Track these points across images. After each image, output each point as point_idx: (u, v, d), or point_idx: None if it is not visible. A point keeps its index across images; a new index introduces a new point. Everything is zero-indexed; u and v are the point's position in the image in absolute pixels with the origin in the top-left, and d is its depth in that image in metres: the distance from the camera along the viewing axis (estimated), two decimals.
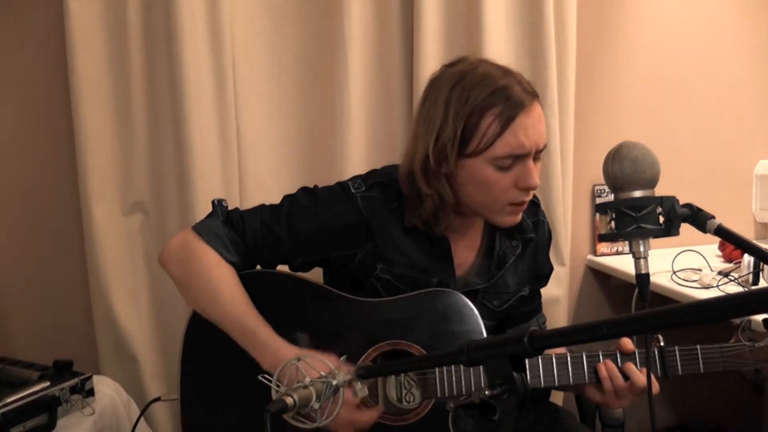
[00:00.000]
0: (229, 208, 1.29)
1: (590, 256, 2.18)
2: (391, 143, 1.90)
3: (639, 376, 1.14)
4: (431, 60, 1.81)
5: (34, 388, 1.36)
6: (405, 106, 1.90)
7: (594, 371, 1.17)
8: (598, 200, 2.14)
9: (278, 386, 0.82)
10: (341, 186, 1.29)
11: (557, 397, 1.87)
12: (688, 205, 0.96)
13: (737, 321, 1.15)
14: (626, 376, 1.15)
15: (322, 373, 0.81)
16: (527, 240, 1.36)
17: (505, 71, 1.17)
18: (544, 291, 1.49)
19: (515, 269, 1.35)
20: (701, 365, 1.15)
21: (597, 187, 2.14)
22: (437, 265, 1.28)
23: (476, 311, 1.21)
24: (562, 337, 0.68)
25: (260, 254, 1.26)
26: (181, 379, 1.26)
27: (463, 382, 1.17)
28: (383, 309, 1.24)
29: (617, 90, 2.13)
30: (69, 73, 1.68)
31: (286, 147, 1.87)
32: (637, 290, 0.95)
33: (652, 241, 0.95)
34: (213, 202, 1.28)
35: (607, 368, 1.16)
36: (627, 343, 1.19)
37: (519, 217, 1.24)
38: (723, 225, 0.94)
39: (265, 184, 1.84)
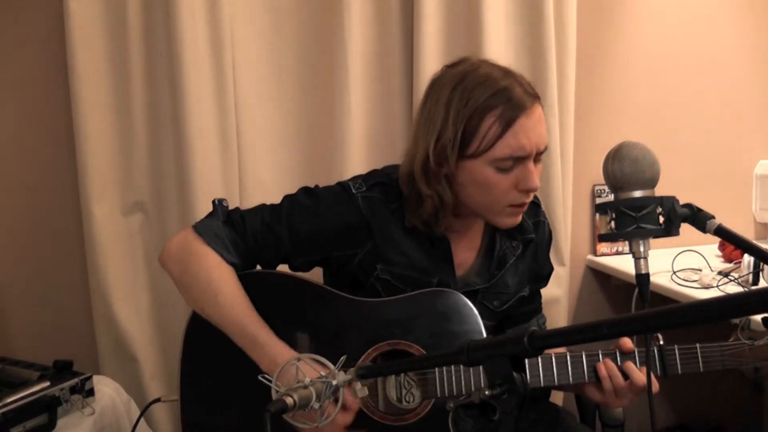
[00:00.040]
0: (230, 207, 1.29)
1: (590, 256, 2.18)
2: (391, 143, 1.90)
3: (639, 375, 1.14)
4: (431, 60, 1.81)
5: (34, 388, 1.36)
6: (405, 106, 1.90)
7: (593, 370, 1.17)
8: (598, 200, 2.14)
9: (278, 386, 0.82)
10: (342, 186, 1.29)
11: (557, 397, 1.87)
12: (688, 205, 0.96)
13: (737, 320, 1.15)
14: (626, 375, 1.15)
15: (322, 373, 0.81)
16: (528, 240, 1.36)
17: (507, 72, 1.17)
18: (544, 291, 1.49)
19: (515, 270, 1.35)
20: (701, 364, 1.15)
21: (597, 187, 2.14)
22: (437, 266, 1.28)
23: (476, 311, 1.21)
24: (562, 337, 0.68)
25: (261, 254, 1.26)
26: (181, 379, 1.26)
27: (463, 382, 1.17)
28: (383, 309, 1.24)
29: (617, 90, 2.13)
30: (69, 73, 1.68)
31: (286, 147, 1.87)
32: (637, 290, 0.95)
33: (652, 241, 0.95)
34: (214, 201, 1.28)
35: (606, 367, 1.16)
36: (626, 342, 1.19)
37: (519, 218, 1.24)
38: (723, 225, 0.95)
39: (265, 184, 1.84)
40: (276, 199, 1.30)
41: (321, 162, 1.86)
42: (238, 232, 1.24)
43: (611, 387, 1.16)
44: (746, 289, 1.61)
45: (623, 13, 2.11)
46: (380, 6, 1.84)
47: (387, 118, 1.89)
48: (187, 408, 1.26)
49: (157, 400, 1.40)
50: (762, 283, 1.70)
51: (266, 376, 0.86)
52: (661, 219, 0.94)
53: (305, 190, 1.29)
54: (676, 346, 1.16)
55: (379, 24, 1.85)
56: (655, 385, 1.12)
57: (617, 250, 2.16)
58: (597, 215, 2.12)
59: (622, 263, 2.06)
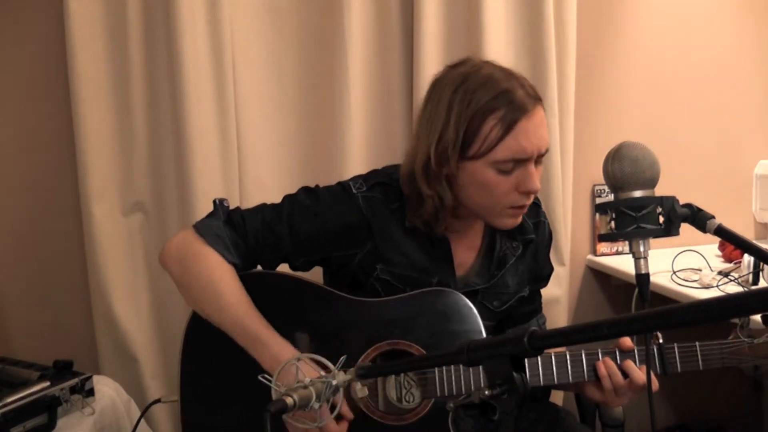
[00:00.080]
0: (230, 207, 1.29)
1: (590, 256, 2.18)
2: (391, 143, 1.90)
3: (638, 373, 1.14)
4: (431, 60, 1.81)
5: (34, 388, 1.36)
6: (405, 106, 1.90)
7: (593, 369, 1.17)
8: (598, 200, 2.14)
9: (278, 386, 0.82)
10: (342, 186, 1.29)
11: (557, 397, 1.88)
12: (688, 205, 0.96)
13: (736, 319, 1.15)
14: (625, 374, 1.15)
15: (322, 373, 0.81)
16: (528, 241, 1.36)
17: (509, 74, 1.17)
18: (544, 291, 1.49)
19: (515, 270, 1.35)
20: (700, 362, 1.15)
21: (597, 187, 2.14)
22: (437, 266, 1.28)
23: (475, 311, 1.21)
24: (562, 337, 0.68)
25: (261, 254, 1.26)
26: (181, 379, 1.26)
27: (463, 382, 1.17)
28: (383, 309, 1.24)
29: (617, 90, 2.14)
30: (69, 73, 1.68)
31: (286, 147, 1.87)
32: (637, 290, 0.95)
33: (652, 241, 0.95)
34: (214, 201, 1.28)
35: (606, 366, 1.16)
36: (626, 340, 1.19)
37: (519, 219, 1.25)
38: (723, 225, 0.95)
39: (265, 184, 1.84)
40: (276, 199, 1.30)
41: (321, 162, 1.86)
42: (239, 232, 1.24)
43: (611, 386, 1.16)
44: (746, 289, 1.61)
45: (623, 13, 2.11)
46: (380, 6, 1.84)
47: (387, 118, 1.89)
48: (187, 408, 1.26)
49: (158, 400, 1.40)
50: (762, 283, 1.70)
51: (266, 376, 0.86)
52: (661, 219, 0.94)
53: (305, 190, 1.29)
54: (675, 345, 1.16)
55: (379, 24, 1.85)
56: (655, 384, 1.12)
57: (617, 250, 2.16)
58: (597, 215, 2.12)
59: (622, 263, 2.06)
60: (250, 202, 1.60)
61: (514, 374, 0.67)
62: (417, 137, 1.22)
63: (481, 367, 0.74)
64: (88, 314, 1.79)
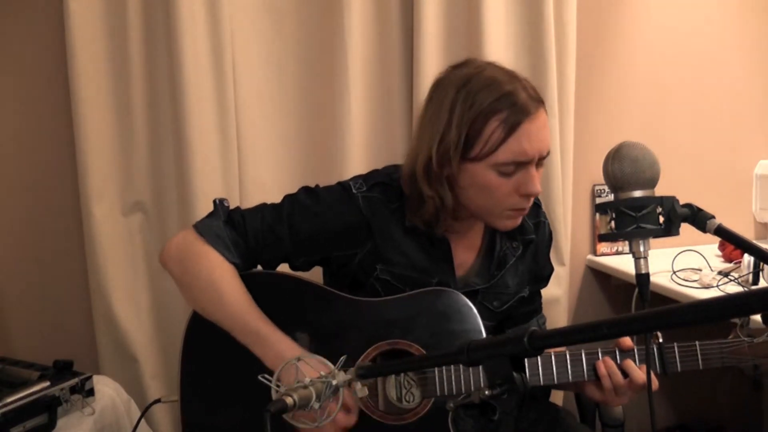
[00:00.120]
0: (230, 207, 1.29)
1: (590, 256, 2.18)
2: (390, 143, 1.90)
3: (638, 373, 1.14)
4: (431, 60, 1.81)
5: (34, 388, 1.36)
6: (405, 106, 1.90)
7: (593, 369, 1.17)
8: (598, 200, 2.14)
9: (278, 386, 0.82)
10: (342, 186, 1.29)
11: (557, 397, 1.88)
12: (688, 205, 0.96)
13: (736, 318, 1.15)
14: (625, 374, 1.15)
15: (322, 373, 0.81)
16: (528, 241, 1.36)
17: (512, 76, 1.17)
18: (544, 291, 1.49)
19: (515, 270, 1.35)
20: (700, 361, 1.15)
21: (597, 187, 2.14)
22: (437, 266, 1.28)
23: (475, 310, 1.21)
24: (562, 337, 0.68)
25: (261, 254, 1.26)
26: (181, 379, 1.26)
27: (462, 381, 1.17)
28: (383, 309, 1.24)
29: (617, 90, 2.14)
30: (69, 73, 1.68)
31: (286, 147, 1.87)
32: (637, 290, 0.95)
33: (652, 241, 0.95)
34: (215, 201, 1.28)
35: (606, 366, 1.16)
36: (626, 340, 1.19)
37: (519, 221, 1.25)
38: (723, 225, 0.95)
39: (265, 184, 1.84)
40: (276, 199, 1.30)
41: (321, 162, 1.86)
42: (239, 232, 1.24)
43: (611, 385, 1.16)
44: (746, 289, 1.61)
45: (623, 13, 2.11)
46: (380, 6, 1.84)
47: (387, 118, 1.89)
48: (187, 408, 1.26)
49: (158, 400, 1.40)
50: (762, 283, 1.70)
51: (266, 376, 0.86)
52: (661, 219, 0.94)
53: (306, 190, 1.29)
54: (675, 344, 1.16)
55: (379, 24, 1.85)
56: (655, 383, 1.12)
57: (617, 250, 2.16)
58: (597, 215, 2.12)
59: (622, 263, 2.06)
60: (250, 202, 1.59)
61: (514, 374, 0.67)
62: (418, 137, 1.22)
63: (481, 367, 0.74)
64: (88, 314, 1.79)
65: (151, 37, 1.73)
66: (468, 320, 1.21)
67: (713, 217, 0.96)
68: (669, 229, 0.94)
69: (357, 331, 1.22)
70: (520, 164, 1.15)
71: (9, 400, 1.30)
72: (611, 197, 0.98)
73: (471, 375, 1.17)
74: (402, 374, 1.23)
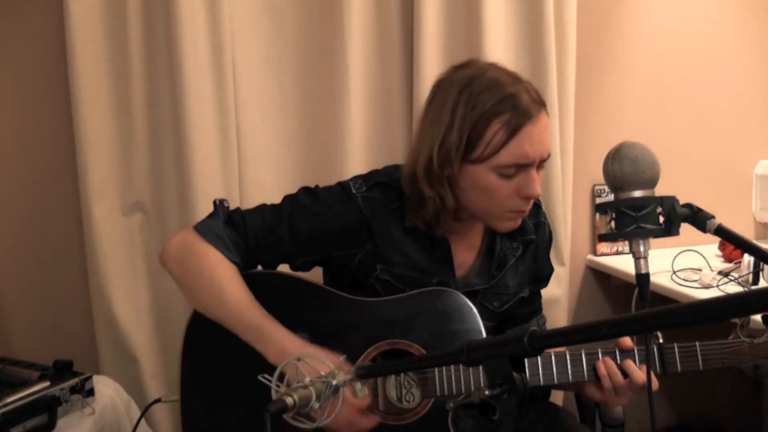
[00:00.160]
0: (230, 208, 1.29)
1: (590, 256, 2.18)
2: (390, 143, 1.90)
3: (638, 373, 1.14)
4: (431, 60, 1.81)
5: (34, 388, 1.36)
6: (405, 106, 1.90)
7: (593, 369, 1.17)
8: (598, 200, 2.14)
9: (278, 386, 0.82)
10: (342, 186, 1.29)
11: (557, 397, 1.88)
12: (688, 205, 0.96)
13: (736, 318, 1.15)
14: (625, 374, 1.15)
15: (322, 373, 0.81)
16: (528, 241, 1.36)
17: (515, 78, 1.17)
18: (544, 291, 1.49)
19: (515, 270, 1.35)
20: (700, 362, 1.15)
21: (597, 187, 2.14)
22: (437, 266, 1.28)
23: (475, 310, 1.21)
24: (562, 337, 0.68)
25: (261, 254, 1.26)
26: (181, 379, 1.26)
27: (462, 381, 1.17)
28: (383, 308, 1.24)
29: (617, 90, 2.14)
30: (69, 73, 1.68)
31: (286, 147, 1.87)
32: (637, 290, 0.95)
33: (652, 241, 0.95)
34: (215, 202, 1.28)
35: (606, 366, 1.16)
36: (626, 340, 1.19)
37: (519, 222, 1.25)
38: (723, 225, 0.95)
39: (265, 184, 1.84)
40: (276, 199, 1.30)
41: (321, 162, 1.86)
42: (239, 232, 1.24)
43: (611, 385, 1.16)
44: (746, 289, 1.61)
45: (623, 13, 2.11)
46: (380, 6, 1.84)
47: (387, 118, 1.89)
48: (187, 408, 1.26)
49: (158, 400, 1.40)
50: (762, 283, 1.70)
51: (266, 376, 0.86)
52: (661, 219, 0.94)
53: (305, 190, 1.29)
54: (675, 345, 1.16)
55: (379, 24, 1.85)
56: (655, 384, 1.12)
57: (617, 250, 2.16)
58: (597, 215, 2.12)
59: (622, 263, 2.06)
60: (250, 202, 1.60)
61: (514, 374, 0.67)
62: (420, 138, 1.22)
63: (481, 367, 0.74)
64: (88, 314, 1.79)
65: (151, 37, 1.73)
66: (468, 320, 1.21)
67: (713, 217, 0.96)
68: (669, 229, 0.94)
69: (357, 331, 1.22)
70: (521, 167, 1.15)
71: (9, 400, 1.30)
72: (611, 197, 0.98)
73: (471, 375, 1.17)
74: (402, 374, 1.23)
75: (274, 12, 1.81)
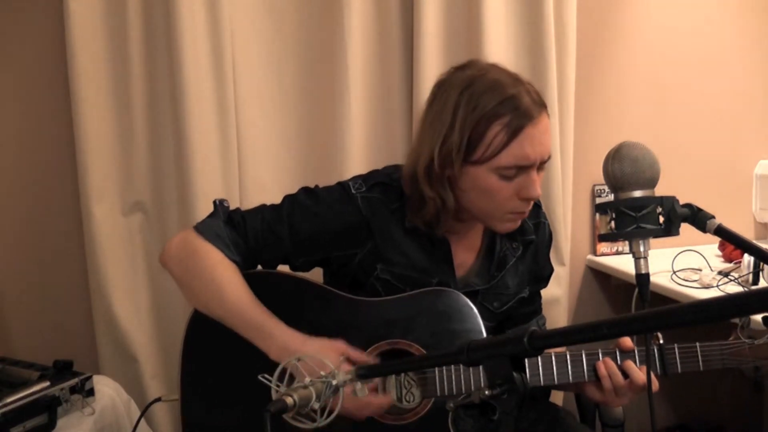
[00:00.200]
0: (230, 208, 1.29)
1: (590, 256, 2.18)
2: (391, 143, 1.90)
3: (638, 374, 1.14)
4: (431, 60, 1.81)
5: (34, 388, 1.36)
6: (405, 106, 1.90)
7: (593, 370, 1.17)
8: (598, 200, 2.14)
9: (278, 386, 0.82)
10: (342, 186, 1.29)
11: (557, 397, 1.87)
12: (688, 205, 0.96)
13: (736, 319, 1.15)
14: (626, 374, 1.15)
15: (322, 373, 0.81)
16: (528, 242, 1.36)
17: (516, 79, 1.17)
18: (544, 291, 1.49)
19: (515, 271, 1.35)
20: (700, 363, 1.15)
21: (597, 187, 2.14)
22: (437, 266, 1.28)
23: (475, 310, 1.21)
24: (562, 337, 0.68)
25: (261, 254, 1.26)
26: (182, 379, 1.26)
27: (462, 381, 1.17)
28: (383, 308, 1.24)
29: (617, 90, 2.14)
30: (69, 73, 1.68)
31: (286, 147, 1.87)
32: (637, 290, 0.95)
33: (652, 241, 0.95)
34: (215, 202, 1.29)
35: (606, 366, 1.16)
36: (626, 341, 1.19)
37: (518, 223, 1.25)
38: (723, 225, 0.95)
39: (265, 184, 1.84)
40: (276, 199, 1.30)
41: (321, 162, 1.86)
42: (239, 232, 1.24)
43: (611, 386, 1.16)
44: (746, 289, 1.61)
45: (623, 13, 2.11)
46: (380, 6, 1.84)
47: (387, 118, 1.89)
48: (187, 408, 1.26)
49: (158, 399, 1.40)
50: (762, 283, 1.70)
51: (266, 376, 0.86)
52: (661, 219, 0.94)
53: (305, 190, 1.29)
54: (675, 345, 1.16)
55: (379, 24, 1.85)
56: (655, 384, 1.12)
57: (617, 250, 2.16)
58: (597, 215, 2.12)
59: (622, 263, 2.06)
60: (250, 202, 1.60)
61: (514, 374, 0.67)
62: (420, 138, 1.22)
63: (481, 367, 0.74)
64: (88, 314, 1.79)
65: (151, 37, 1.73)
66: (468, 320, 1.21)
67: (713, 217, 0.96)
68: (669, 229, 0.94)
69: (357, 331, 1.22)
70: (522, 168, 1.15)
71: (9, 400, 1.30)
72: (611, 197, 0.98)
73: (471, 375, 1.17)
74: (402, 374, 1.23)
75: (274, 12, 1.81)
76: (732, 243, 0.98)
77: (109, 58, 1.72)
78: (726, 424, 2.29)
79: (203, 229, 1.24)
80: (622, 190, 0.96)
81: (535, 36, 1.89)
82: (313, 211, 1.25)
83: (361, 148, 1.85)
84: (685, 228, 0.96)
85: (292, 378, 0.92)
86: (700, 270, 1.81)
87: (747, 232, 2.28)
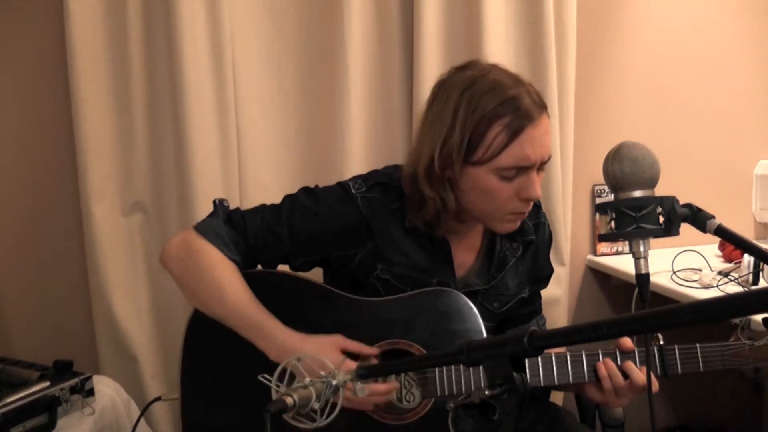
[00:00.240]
0: (230, 208, 1.29)
1: (590, 256, 2.18)
2: (391, 143, 1.90)
3: (638, 374, 1.14)
4: (431, 60, 1.81)
5: (34, 388, 1.36)
6: (405, 106, 1.90)
7: (593, 370, 1.17)
8: (598, 200, 2.14)
9: (278, 386, 0.82)
10: (341, 186, 1.29)
11: (557, 397, 1.87)
12: (688, 205, 0.96)
13: (737, 320, 1.15)
14: (626, 375, 1.15)
15: (322, 373, 0.81)
16: (528, 242, 1.36)
17: (516, 80, 1.17)
18: (544, 291, 1.49)
19: (515, 271, 1.35)
20: (701, 364, 1.15)
21: (597, 187, 2.14)
22: (437, 266, 1.28)
23: (476, 310, 1.21)
24: (562, 337, 0.68)
25: (261, 254, 1.26)
26: (182, 379, 1.26)
27: (462, 381, 1.17)
28: (383, 308, 1.24)
29: (617, 90, 2.13)
30: (69, 73, 1.68)
31: (286, 147, 1.87)
32: (637, 290, 0.95)
33: (652, 241, 0.95)
34: (214, 201, 1.29)
35: (606, 367, 1.16)
36: (626, 341, 1.19)
37: (518, 224, 1.25)
38: (723, 225, 0.95)
39: (265, 184, 1.84)
40: (276, 199, 1.30)
41: (321, 162, 1.86)
42: (239, 231, 1.24)
43: (611, 387, 1.16)
44: (746, 289, 1.61)
45: (623, 13, 2.11)
46: (380, 6, 1.84)
47: (387, 118, 1.89)
48: (187, 407, 1.26)
49: (158, 398, 1.40)
50: (762, 283, 1.70)
51: (266, 376, 0.86)
52: (661, 219, 0.94)
53: (305, 190, 1.29)
54: (676, 346, 1.16)
55: (379, 24, 1.85)
56: (655, 385, 1.12)
57: (617, 250, 2.16)
58: (597, 215, 2.12)
59: (622, 263, 2.06)
60: (250, 202, 1.60)
61: (514, 374, 0.67)
62: (421, 139, 1.22)
63: (481, 367, 0.74)
64: (88, 314, 1.79)
65: (151, 37, 1.73)
66: (468, 320, 1.21)
67: (713, 217, 0.96)
68: (669, 229, 0.94)
69: (357, 331, 1.22)
70: (522, 169, 1.15)
71: (9, 400, 1.30)
72: (611, 197, 0.98)
73: (471, 375, 1.17)
74: (402, 374, 1.23)
75: (274, 12, 1.81)
76: (732, 243, 0.98)
77: (109, 58, 1.72)
78: (726, 425, 2.29)
79: (203, 228, 1.24)
80: (622, 190, 0.96)
81: (535, 36, 1.89)
82: (313, 211, 1.25)
83: (361, 148, 1.85)
84: (685, 228, 0.96)
85: (292, 378, 0.92)
86: (700, 270, 1.81)
87: (747, 232, 2.28)
